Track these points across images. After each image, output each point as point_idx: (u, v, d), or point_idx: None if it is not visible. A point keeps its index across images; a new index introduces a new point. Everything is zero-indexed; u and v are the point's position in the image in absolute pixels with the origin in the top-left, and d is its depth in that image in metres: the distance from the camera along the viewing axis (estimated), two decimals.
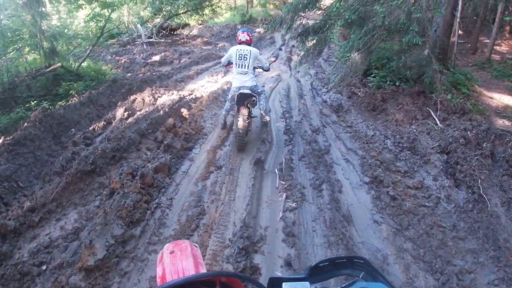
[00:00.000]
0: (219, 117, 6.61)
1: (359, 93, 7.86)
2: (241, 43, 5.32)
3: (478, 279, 3.38)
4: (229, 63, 5.38)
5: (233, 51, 5.17)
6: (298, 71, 10.19)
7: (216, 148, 5.32)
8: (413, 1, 6.03)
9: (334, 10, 6.74)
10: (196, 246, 1.26)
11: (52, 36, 9.19)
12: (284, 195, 4.04)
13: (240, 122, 4.87)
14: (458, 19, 8.82)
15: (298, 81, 9.47)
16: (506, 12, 12.25)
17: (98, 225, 3.17)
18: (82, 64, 10.12)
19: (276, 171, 4.64)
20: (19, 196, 4.48)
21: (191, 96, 7.64)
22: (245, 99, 4.95)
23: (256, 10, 21.75)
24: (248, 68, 5.12)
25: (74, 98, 7.77)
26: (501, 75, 9.93)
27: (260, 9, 21.99)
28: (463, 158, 5.13)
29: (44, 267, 3.17)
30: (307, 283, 0.85)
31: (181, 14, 16.93)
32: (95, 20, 10.89)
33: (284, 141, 5.66)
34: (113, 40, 15.78)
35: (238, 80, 5.17)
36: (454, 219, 4.02)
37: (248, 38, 5.36)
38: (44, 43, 8.87)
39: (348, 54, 6.63)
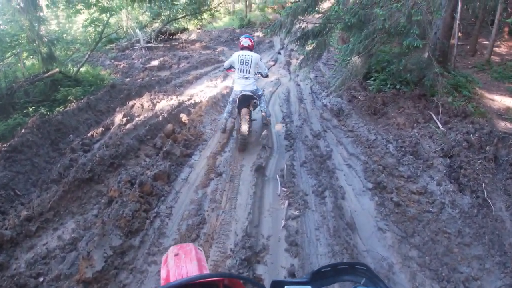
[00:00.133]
0: (218, 123, 6.55)
1: (359, 97, 7.81)
2: (243, 48, 5.55)
3: (484, 286, 3.32)
4: (230, 67, 5.65)
5: (236, 56, 5.40)
6: (298, 75, 10.15)
7: (216, 154, 5.24)
8: (412, 4, 5.98)
9: (333, 13, 6.71)
10: (200, 250, 1.26)
11: (50, 41, 9.15)
12: (286, 203, 3.96)
13: (243, 124, 5.07)
14: (457, 21, 8.81)
15: (298, 85, 9.43)
16: (505, 14, 12.26)
17: (96, 236, 3.08)
18: (81, 69, 10.05)
19: (278, 178, 4.55)
20: (16, 204, 4.40)
21: (190, 101, 7.58)
22: (246, 101, 5.21)
23: (255, 14, 21.76)
24: (249, 72, 5.34)
25: (72, 103, 7.70)
26: (502, 77, 9.88)
27: (259, 13, 22.00)
28: (467, 162, 5.06)
29: (41, 279, 3.08)
30: (309, 287, 0.87)
31: (180, 19, 16.91)
32: (93, 25, 10.83)
33: (285, 147, 5.59)
34: (111, 45, 15.71)
35: (240, 84, 5.37)
36: (459, 225, 3.95)
37: (250, 43, 5.61)
38: (42, 48, 8.81)
39: (349, 58, 6.58)
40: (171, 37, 17.24)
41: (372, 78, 8.14)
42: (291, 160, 5.03)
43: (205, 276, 0.87)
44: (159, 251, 3.20)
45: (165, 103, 7.34)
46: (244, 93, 5.20)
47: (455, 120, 6.40)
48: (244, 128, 5.07)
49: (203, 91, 8.77)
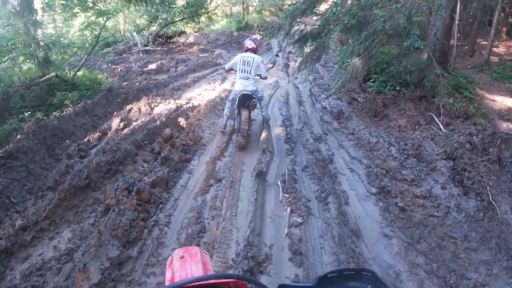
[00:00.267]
0: (217, 126, 6.45)
1: (359, 99, 7.72)
2: (247, 50, 5.74)
3: None
4: (231, 69, 5.85)
5: (238, 58, 5.59)
6: (296, 77, 10.06)
7: (215, 159, 5.13)
8: (413, 4, 5.91)
9: (331, 15, 6.65)
10: (206, 253, 1.27)
11: (46, 45, 9.04)
12: (288, 209, 3.84)
13: (242, 123, 5.30)
14: (457, 22, 8.76)
15: (297, 87, 9.34)
16: (503, 14, 12.24)
17: (92, 247, 2.97)
18: (78, 73, 9.97)
19: (279, 183, 4.44)
20: (11, 212, 4.30)
21: (188, 105, 7.47)
22: (246, 101, 5.43)
23: (252, 17, 21.71)
24: (250, 73, 5.50)
25: (69, 108, 7.63)
26: (501, 77, 9.84)
27: (256, 16, 21.96)
28: (470, 164, 4.98)
29: None
30: None
31: (177, 22, 16.83)
32: (90, 29, 10.74)
33: (286, 151, 5.48)
34: (109, 49, 15.64)
35: (240, 84, 5.52)
36: (465, 229, 3.86)
37: (254, 46, 5.77)
38: (38, 52, 8.71)
39: (349, 60, 6.50)
40: (168, 40, 17.17)
41: (372, 80, 8.07)
42: (292, 164, 4.92)
43: (210, 277, 0.89)
44: (158, 262, 3.08)
45: (163, 107, 7.24)
46: (244, 92, 5.37)
47: (457, 122, 6.33)
48: (244, 128, 5.26)
49: (201, 94, 8.66)
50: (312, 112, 7.37)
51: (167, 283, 1.12)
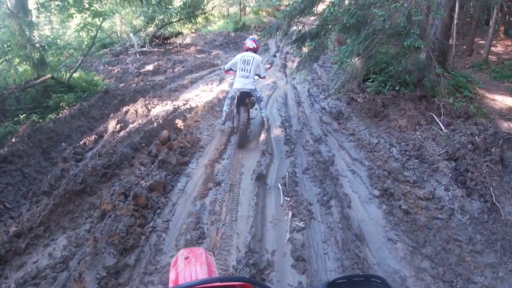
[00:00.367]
0: (215, 128, 6.35)
1: (358, 99, 7.66)
2: (248, 50, 5.84)
3: None
4: (230, 70, 5.94)
5: (239, 57, 5.71)
6: (294, 78, 9.96)
7: (214, 162, 5.02)
8: (413, 3, 5.84)
9: (329, 15, 6.57)
10: (210, 255, 1.26)
11: (41, 47, 8.92)
12: (290, 214, 3.73)
13: (241, 121, 5.39)
14: (455, 21, 8.72)
15: (295, 88, 9.26)
16: (500, 13, 12.21)
17: (88, 255, 2.86)
18: (74, 75, 9.85)
19: (280, 186, 4.33)
20: (5, 218, 4.20)
21: (185, 106, 7.37)
22: (245, 98, 5.56)
23: (249, 18, 21.62)
24: (249, 72, 5.60)
25: (65, 110, 7.55)
26: (500, 76, 9.81)
27: (253, 17, 21.86)
28: (473, 165, 4.92)
29: None
30: None
31: (174, 23, 16.73)
32: (86, 30, 10.62)
33: (285, 152, 5.38)
34: (105, 50, 15.55)
35: (239, 82, 5.60)
36: (470, 232, 3.79)
37: (255, 45, 5.89)
38: (33, 53, 8.59)
39: (348, 59, 6.42)
40: (165, 41, 17.07)
41: (370, 80, 8.00)
42: (293, 167, 4.82)
43: (215, 279, 0.89)
44: (156, 270, 2.97)
45: (160, 109, 7.13)
46: (243, 90, 5.50)
47: (458, 122, 6.27)
48: (242, 125, 5.37)
49: (198, 95, 8.55)
50: (311, 112, 7.28)
51: (171, 284, 1.11)
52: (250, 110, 5.84)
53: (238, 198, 4.07)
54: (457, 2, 7.67)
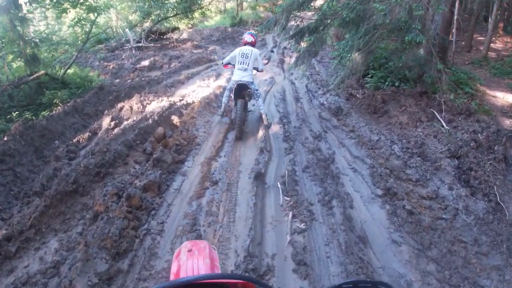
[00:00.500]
0: (212, 125, 6.20)
1: (357, 95, 7.52)
2: (246, 44, 6.02)
3: None
4: (228, 64, 6.14)
5: (237, 51, 5.87)
6: (292, 73, 9.81)
7: (210, 159, 4.86)
8: None
9: (327, 9, 6.43)
10: (214, 249, 1.23)
11: (34, 42, 8.71)
12: (290, 214, 3.58)
13: (239, 113, 5.52)
14: (456, 17, 8.59)
15: (293, 83, 9.10)
16: (499, 10, 12.09)
17: (79, 261, 2.71)
18: (68, 71, 9.66)
19: (279, 186, 4.17)
20: None
21: (182, 102, 7.19)
22: (242, 90, 5.76)
23: (246, 13, 21.42)
24: (248, 65, 5.76)
25: (59, 107, 7.38)
26: (500, 73, 9.72)
27: (250, 12, 21.69)
28: (476, 163, 4.81)
29: None
30: None
31: (171, 18, 16.51)
32: (80, 25, 10.40)
33: (284, 150, 5.23)
34: (101, 46, 15.31)
35: (238, 75, 5.76)
36: (475, 233, 3.69)
37: (253, 39, 6.11)
38: (26, 49, 8.38)
39: (348, 54, 6.28)
40: (161, 36, 16.85)
41: (369, 76, 7.87)
42: (292, 165, 4.66)
43: (215, 276, 0.87)
44: (151, 276, 2.82)
45: (156, 105, 6.96)
46: (240, 82, 5.68)
47: (459, 118, 6.17)
48: (239, 117, 5.51)
49: (195, 91, 8.38)
50: (309, 108, 7.14)
51: (172, 276, 1.08)
52: (248, 103, 6.06)
53: (236, 198, 3.91)
54: None
